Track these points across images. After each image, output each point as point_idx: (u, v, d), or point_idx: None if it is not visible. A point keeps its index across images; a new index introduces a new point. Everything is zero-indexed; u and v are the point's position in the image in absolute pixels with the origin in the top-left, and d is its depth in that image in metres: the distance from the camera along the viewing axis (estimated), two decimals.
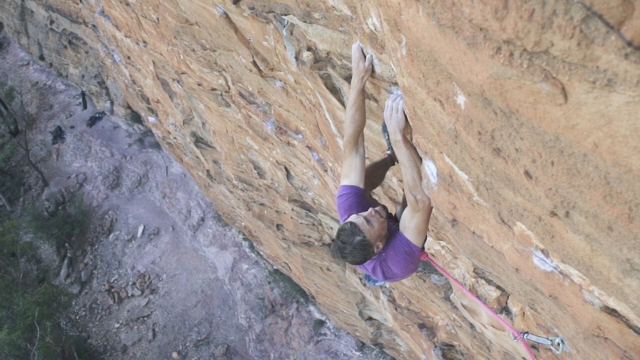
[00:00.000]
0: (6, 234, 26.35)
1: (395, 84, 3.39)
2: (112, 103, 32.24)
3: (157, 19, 11.64)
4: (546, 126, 1.52)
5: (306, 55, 5.08)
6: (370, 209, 3.40)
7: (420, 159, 3.07)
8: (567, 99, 1.38)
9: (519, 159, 1.80)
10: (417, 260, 3.49)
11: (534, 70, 1.41)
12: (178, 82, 14.00)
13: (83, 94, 34.58)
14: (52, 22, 31.79)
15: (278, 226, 17.07)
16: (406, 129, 3.18)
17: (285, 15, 5.02)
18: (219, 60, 9.98)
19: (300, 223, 15.06)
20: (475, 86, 1.72)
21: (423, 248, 3.48)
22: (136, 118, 30.06)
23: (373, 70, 3.52)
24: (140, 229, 29.25)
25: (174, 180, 29.79)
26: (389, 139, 3.95)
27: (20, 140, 32.61)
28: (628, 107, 1.23)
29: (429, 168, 2.88)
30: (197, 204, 28.72)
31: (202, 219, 28.49)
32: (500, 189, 2.12)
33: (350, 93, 3.44)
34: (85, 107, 34.70)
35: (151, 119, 23.27)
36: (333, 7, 3.66)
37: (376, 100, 4.05)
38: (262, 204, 16.66)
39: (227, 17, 7.16)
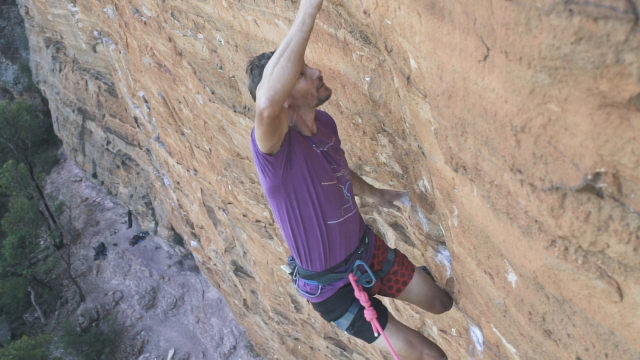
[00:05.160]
0: (37, 347, 26.12)
1: (443, 243, 3.40)
2: (156, 224, 32.88)
3: (210, 150, 12.07)
4: (600, 319, 1.49)
5: None
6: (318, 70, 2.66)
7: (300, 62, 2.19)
8: (623, 298, 1.35)
9: (571, 344, 1.75)
10: (264, 165, 2.59)
11: (589, 267, 1.40)
12: (224, 210, 14.27)
13: (129, 213, 35.49)
14: (108, 142, 33.34)
15: None
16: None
17: None
18: None
19: None
20: (528, 271, 1.72)
21: (270, 154, 2.54)
22: (178, 240, 30.46)
23: None
24: (171, 352, 28.60)
25: (209, 305, 29.54)
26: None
27: (63, 253, 33.13)
28: None
29: (475, 335, 2.82)
30: (230, 331, 28.22)
31: (234, 347, 27.83)
32: None
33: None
34: (130, 225, 35.48)
35: (193, 243, 23.53)
36: (385, 163, 3.78)
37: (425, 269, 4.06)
38: (296, 339, 16.31)
39: None
